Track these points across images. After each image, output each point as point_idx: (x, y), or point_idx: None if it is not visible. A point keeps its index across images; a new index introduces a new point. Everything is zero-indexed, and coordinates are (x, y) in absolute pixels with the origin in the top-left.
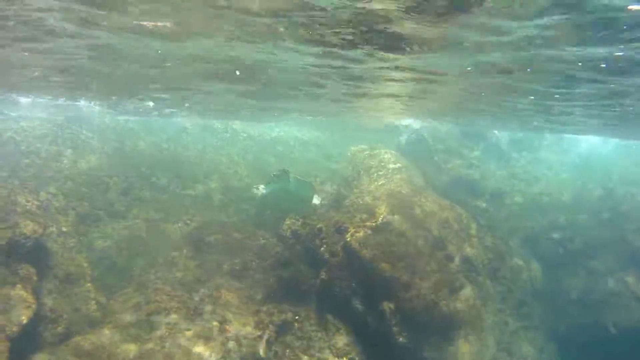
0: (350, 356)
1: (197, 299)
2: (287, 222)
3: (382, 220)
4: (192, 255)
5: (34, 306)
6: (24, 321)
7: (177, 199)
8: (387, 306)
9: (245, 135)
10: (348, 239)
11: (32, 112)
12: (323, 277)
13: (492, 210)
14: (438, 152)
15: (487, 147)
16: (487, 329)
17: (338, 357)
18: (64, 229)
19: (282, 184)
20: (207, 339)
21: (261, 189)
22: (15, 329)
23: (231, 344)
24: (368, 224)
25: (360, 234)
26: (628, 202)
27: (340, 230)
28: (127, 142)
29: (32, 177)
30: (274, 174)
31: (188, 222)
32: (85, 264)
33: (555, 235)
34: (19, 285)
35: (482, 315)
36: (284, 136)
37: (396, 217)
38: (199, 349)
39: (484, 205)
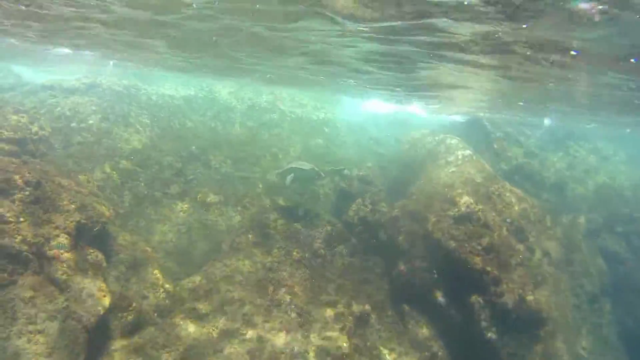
0: (433, 350)
1: (270, 288)
2: (354, 207)
3: (465, 209)
4: (257, 241)
5: (108, 295)
6: (101, 311)
7: (232, 181)
8: (476, 300)
9: (293, 115)
10: (430, 229)
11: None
12: (401, 267)
13: (554, 201)
14: (497, 140)
15: (543, 135)
16: (568, 326)
17: (419, 351)
18: (121, 211)
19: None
20: (287, 331)
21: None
22: (93, 319)
23: (313, 337)
24: (450, 213)
25: (444, 223)
26: None
27: (418, 219)
28: (175, 120)
29: (86, 155)
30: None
31: (248, 205)
32: (149, 249)
33: (619, 229)
34: (90, 272)
35: (566, 312)
36: (331, 118)
37: (480, 206)
38: (281, 341)
39: (545, 195)
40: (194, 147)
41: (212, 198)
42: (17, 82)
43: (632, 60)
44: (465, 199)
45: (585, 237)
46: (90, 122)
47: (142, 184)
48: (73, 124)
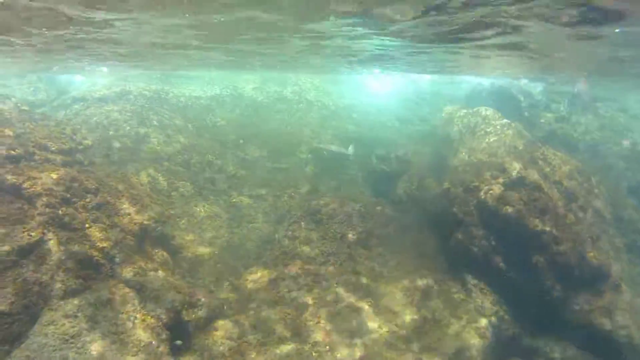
0: (499, 314)
1: (333, 270)
2: (401, 185)
3: (516, 175)
4: (312, 227)
5: (183, 291)
6: (178, 307)
7: (272, 173)
8: (538, 260)
9: (320, 104)
10: (483, 197)
11: None
12: (459, 237)
13: (591, 162)
14: (528, 108)
15: (571, 99)
16: (627, 280)
17: (487, 317)
18: (172, 211)
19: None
20: (358, 310)
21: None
22: (172, 315)
23: (384, 313)
24: (501, 180)
25: (496, 190)
26: None
27: (470, 189)
28: (206, 119)
29: (128, 160)
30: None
31: (293, 194)
32: (204, 245)
33: None
34: (160, 271)
35: (623, 266)
36: (357, 103)
37: (529, 171)
38: (355, 321)
39: (580, 157)
40: (229, 144)
41: (257, 191)
42: (47, 97)
43: None
44: (515, 164)
45: (629, 194)
46: (127, 128)
47: (188, 184)
48: (111, 132)
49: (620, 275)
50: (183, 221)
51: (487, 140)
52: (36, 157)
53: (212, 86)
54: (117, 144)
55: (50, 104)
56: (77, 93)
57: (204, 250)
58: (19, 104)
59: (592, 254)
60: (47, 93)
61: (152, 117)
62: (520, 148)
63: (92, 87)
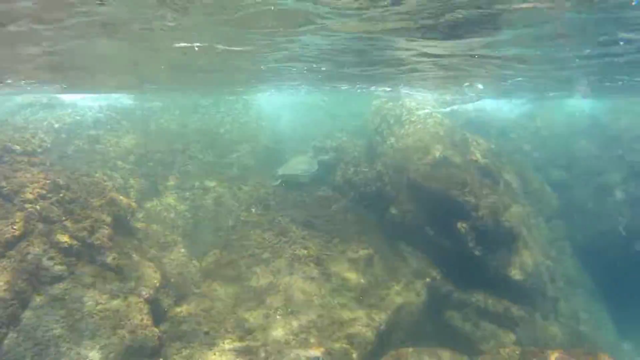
0: (432, 275)
1: (288, 248)
2: (339, 172)
3: (439, 156)
4: (262, 213)
5: (158, 271)
6: (157, 284)
7: (221, 167)
8: (462, 226)
9: (255, 104)
10: (412, 176)
11: None
12: (393, 212)
13: (501, 144)
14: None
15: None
16: (533, 240)
17: (422, 278)
18: (134, 204)
19: None
20: (312, 279)
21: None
22: (151, 292)
23: (334, 280)
24: (426, 161)
25: (422, 169)
26: (614, 128)
27: (400, 170)
28: (152, 122)
29: (85, 161)
30: None
31: (242, 186)
32: (168, 232)
33: (562, 162)
34: (135, 255)
35: (531, 228)
36: (291, 103)
37: (450, 152)
38: (310, 287)
39: (494, 141)
40: (178, 144)
41: (207, 183)
42: None
43: None
44: (437, 147)
45: (535, 170)
46: (79, 131)
47: (142, 180)
48: (63, 135)
49: (528, 234)
50: (141, 215)
51: (412, 128)
52: (5, 159)
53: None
54: (71, 147)
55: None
56: (23, 98)
57: (172, 238)
58: None
59: (504, 219)
60: None
61: (102, 120)
62: (442, 134)
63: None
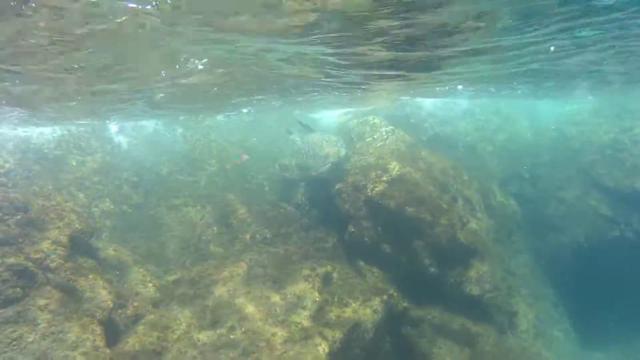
0: (390, 292)
1: (245, 266)
2: (301, 190)
3: (396, 173)
4: (223, 231)
5: (112, 292)
6: (110, 305)
7: (186, 185)
8: (418, 244)
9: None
10: (369, 194)
11: None
12: (352, 230)
13: (467, 159)
14: (413, 115)
15: (452, 106)
16: (492, 255)
17: (379, 295)
18: (96, 225)
19: None
20: (267, 297)
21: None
22: (105, 313)
23: (290, 298)
24: (384, 178)
25: (380, 187)
26: (577, 140)
27: (359, 188)
28: (123, 141)
29: (49, 181)
30: None
31: (205, 204)
32: (128, 253)
33: (526, 175)
34: (90, 276)
35: (487, 243)
36: (257, 120)
37: (407, 169)
38: (265, 307)
39: (460, 156)
40: (146, 164)
41: (172, 201)
42: None
43: None
44: (394, 164)
45: (499, 185)
46: (45, 151)
47: (107, 200)
48: (30, 155)
49: (486, 250)
50: (105, 235)
51: (374, 145)
52: None
53: None
54: (36, 167)
55: None
56: None
57: (131, 258)
58: None
59: (460, 235)
60: None
61: (70, 140)
62: (403, 150)
63: None
